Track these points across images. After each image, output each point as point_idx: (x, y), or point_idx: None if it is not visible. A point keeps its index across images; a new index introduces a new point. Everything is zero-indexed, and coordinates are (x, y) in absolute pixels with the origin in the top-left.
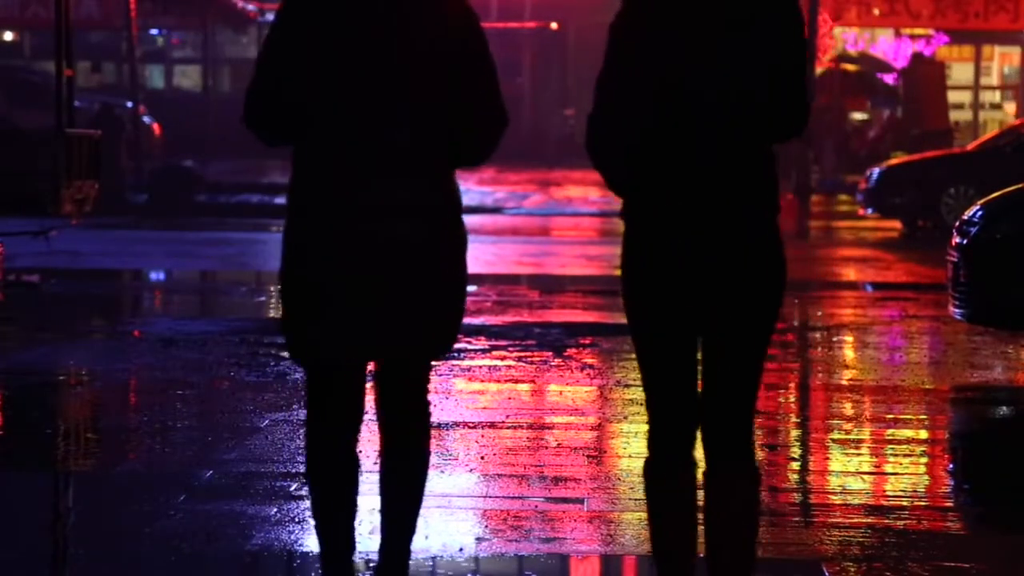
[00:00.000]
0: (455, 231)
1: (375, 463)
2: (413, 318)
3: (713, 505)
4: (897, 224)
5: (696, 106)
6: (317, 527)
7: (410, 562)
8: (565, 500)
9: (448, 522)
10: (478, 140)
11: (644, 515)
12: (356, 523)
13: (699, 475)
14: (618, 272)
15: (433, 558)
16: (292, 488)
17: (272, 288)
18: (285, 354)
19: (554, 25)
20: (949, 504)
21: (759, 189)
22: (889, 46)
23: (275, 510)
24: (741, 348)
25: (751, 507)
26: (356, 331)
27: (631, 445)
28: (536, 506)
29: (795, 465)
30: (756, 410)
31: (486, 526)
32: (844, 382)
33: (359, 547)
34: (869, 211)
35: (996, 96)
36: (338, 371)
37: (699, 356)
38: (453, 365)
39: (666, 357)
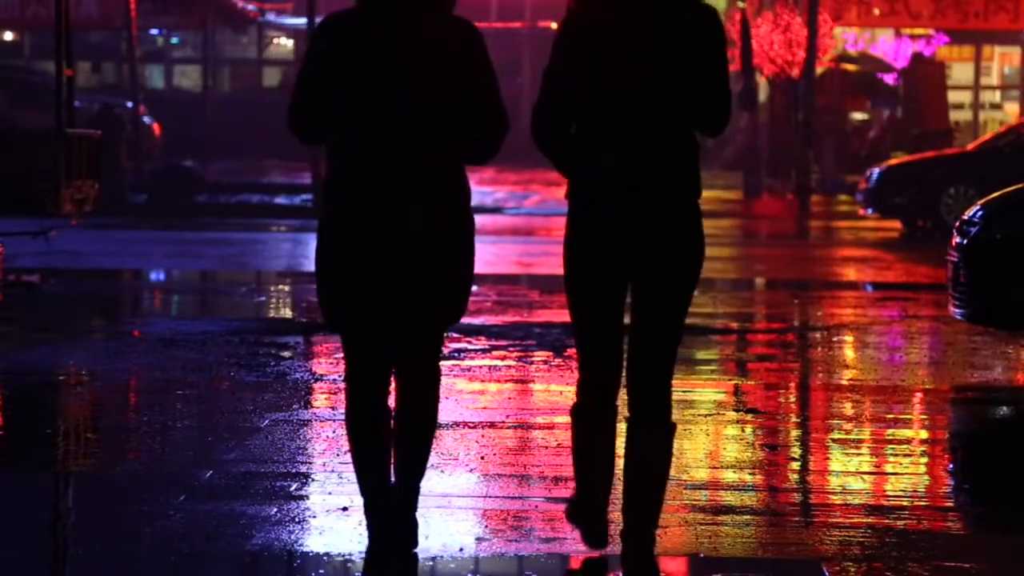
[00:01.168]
0: (463, 215)
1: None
2: (429, 287)
3: (633, 452)
4: (897, 224)
5: (629, 103)
6: (356, 468)
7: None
8: (565, 500)
9: (448, 522)
10: (484, 142)
11: None
12: (389, 465)
13: (618, 422)
14: None
15: (433, 558)
16: (292, 488)
17: (272, 288)
18: (285, 354)
19: (553, 25)
20: (949, 504)
21: (683, 176)
22: (889, 46)
23: (275, 510)
24: (667, 305)
25: (666, 450)
26: (381, 298)
27: None
28: (536, 506)
29: (795, 465)
30: (674, 375)
31: (486, 526)
32: (844, 382)
33: (360, 547)
34: (869, 211)
35: (996, 96)
36: (367, 331)
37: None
38: (453, 365)
39: (599, 309)
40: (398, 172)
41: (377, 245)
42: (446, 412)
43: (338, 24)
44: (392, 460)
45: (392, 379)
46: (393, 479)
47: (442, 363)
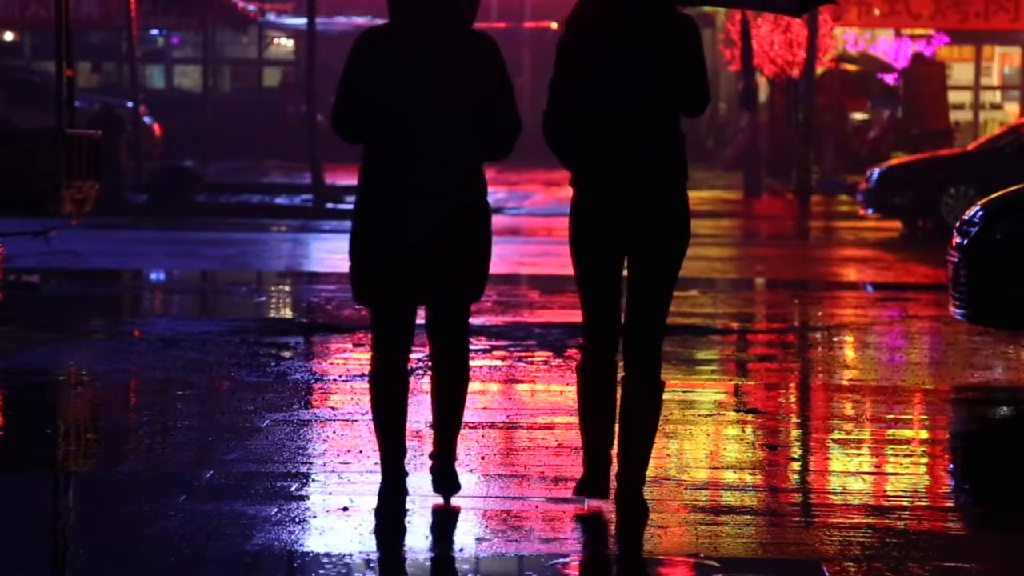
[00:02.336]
0: (482, 207)
1: (376, 463)
2: (451, 273)
3: (627, 406)
4: (897, 224)
5: (623, 103)
6: (376, 429)
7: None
8: (565, 500)
9: (449, 522)
10: (500, 142)
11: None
12: (404, 427)
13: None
14: None
15: (433, 558)
16: (292, 488)
17: (272, 288)
18: (285, 354)
19: (554, 25)
20: (949, 504)
21: (671, 163)
22: (889, 46)
23: (275, 510)
24: (657, 277)
25: (655, 407)
26: (409, 281)
27: None
28: (536, 506)
29: (795, 465)
30: (663, 339)
31: (486, 526)
32: (844, 382)
33: (360, 547)
34: (869, 211)
35: (996, 96)
36: (394, 310)
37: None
38: None
39: (600, 284)
40: (423, 172)
41: (404, 237)
42: None
43: (373, 38)
44: (433, 421)
45: (411, 348)
46: (434, 442)
47: None
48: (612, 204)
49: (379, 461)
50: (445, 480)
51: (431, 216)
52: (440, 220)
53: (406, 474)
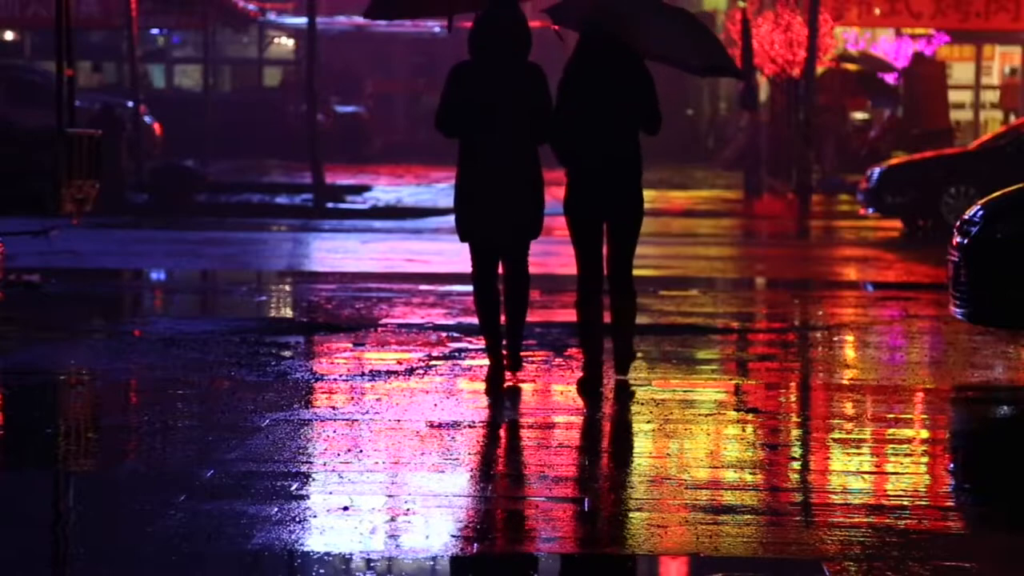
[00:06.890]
0: (538, 178)
1: (376, 463)
2: (519, 221)
3: (614, 312)
4: (897, 224)
5: (603, 120)
6: (480, 321)
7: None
8: (565, 500)
9: (448, 522)
10: (541, 133)
11: (645, 515)
12: (500, 318)
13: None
14: None
15: (433, 558)
16: (293, 488)
17: (272, 288)
18: (286, 353)
19: (554, 25)
20: (950, 504)
21: (633, 160)
22: (890, 46)
23: (276, 510)
24: (625, 234)
25: (632, 309)
26: (492, 227)
27: (632, 444)
28: (536, 506)
29: (795, 465)
30: (633, 263)
31: (486, 526)
32: (845, 382)
33: (362, 547)
34: (869, 211)
35: (996, 96)
36: (483, 243)
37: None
38: (454, 364)
39: (587, 240)
40: (497, 155)
41: (488, 196)
42: (447, 412)
43: (461, 68)
44: (503, 320)
45: (499, 272)
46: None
47: (442, 363)
48: (591, 189)
49: (484, 346)
50: (512, 361)
51: (506, 185)
52: (511, 187)
53: (504, 353)
